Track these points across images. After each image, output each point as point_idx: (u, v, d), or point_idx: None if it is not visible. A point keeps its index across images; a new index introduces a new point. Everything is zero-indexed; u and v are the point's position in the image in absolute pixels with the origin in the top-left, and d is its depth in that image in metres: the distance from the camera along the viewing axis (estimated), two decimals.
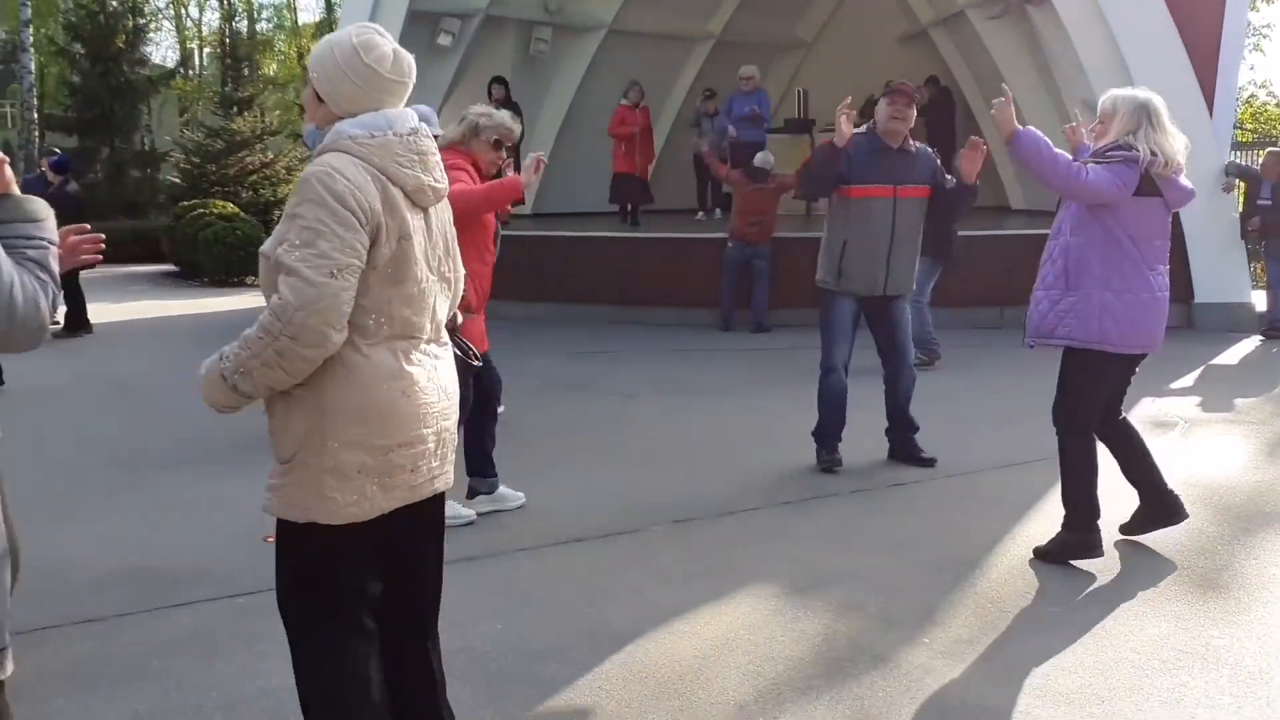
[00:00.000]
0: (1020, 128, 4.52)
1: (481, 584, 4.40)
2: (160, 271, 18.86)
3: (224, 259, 17.07)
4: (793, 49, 18.76)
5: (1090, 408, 4.75)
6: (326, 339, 2.46)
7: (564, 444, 6.88)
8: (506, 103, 13.86)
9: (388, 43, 2.63)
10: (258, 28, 40.50)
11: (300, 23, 41.76)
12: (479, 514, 5.24)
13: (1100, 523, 4.74)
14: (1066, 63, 12.65)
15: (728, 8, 17.42)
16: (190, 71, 36.79)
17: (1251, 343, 10.87)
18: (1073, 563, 4.65)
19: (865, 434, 6.39)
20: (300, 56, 34.86)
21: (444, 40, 14.21)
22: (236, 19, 37.96)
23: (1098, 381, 4.71)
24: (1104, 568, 4.62)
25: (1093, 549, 4.68)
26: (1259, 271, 12.91)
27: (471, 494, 5.29)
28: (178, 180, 21.72)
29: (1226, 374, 9.25)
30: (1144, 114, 4.47)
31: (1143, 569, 4.61)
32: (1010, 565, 4.65)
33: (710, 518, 5.32)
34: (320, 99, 2.66)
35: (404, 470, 2.64)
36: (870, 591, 4.33)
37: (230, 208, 18.48)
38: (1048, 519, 5.27)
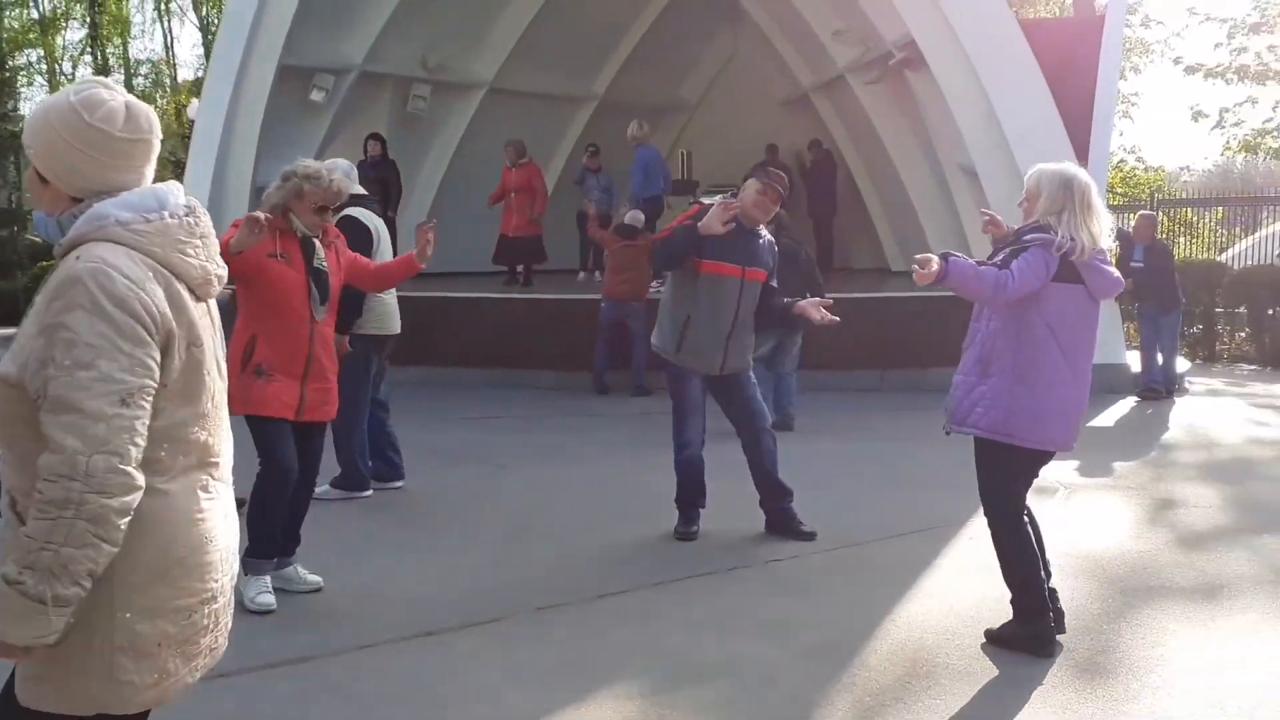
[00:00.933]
0: (948, 263, 4.14)
1: (313, 690, 3.97)
2: None
3: None
4: (677, 110, 18.77)
5: (1008, 493, 4.48)
6: (133, 481, 1.98)
7: (425, 520, 6.47)
8: (383, 159, 13.50)
9: (116, 95, 2.14)
10: (134, 83, 39.40)
11: (180, 79, 40.81)
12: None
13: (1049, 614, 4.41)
14: (944, 127, 12.77)
15: (611, 68, 17.37)
16: None
17: (1128, 404, 10.95)
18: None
19: (748, 502, 6.15)
20: (178, 112, 34.05)
21: (317, 96, 13.83)
22: (111, 74, 36.90)
23: (1005, 470, 4.43)
24: (975, 652, 4.37)
25: (1046, 645, 4.32)
26: (1132, 332, 13.11)
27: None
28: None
29: (1105, 436, 9.23)
30: (1068, 194, 4.19)
31: (1016, 652, 4.37)
32: (891, 650, 4.38)
33: (578, 602, 4.96)
34: (43, 179, 2.15)
35: (206, 632, 2.20)
36: (743, 687, 4.01)
37: None
38: (929, 596, 5.05)
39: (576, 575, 5.35)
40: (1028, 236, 4.25)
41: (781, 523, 6.12)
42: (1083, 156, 11.87)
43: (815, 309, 5.69)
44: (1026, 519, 4.54)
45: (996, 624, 4.58)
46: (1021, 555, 4.43)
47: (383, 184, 13.57)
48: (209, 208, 2.42)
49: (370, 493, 6.88)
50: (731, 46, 18.51)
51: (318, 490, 6.82)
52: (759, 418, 6.12)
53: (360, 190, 6.91)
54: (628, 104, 17.31)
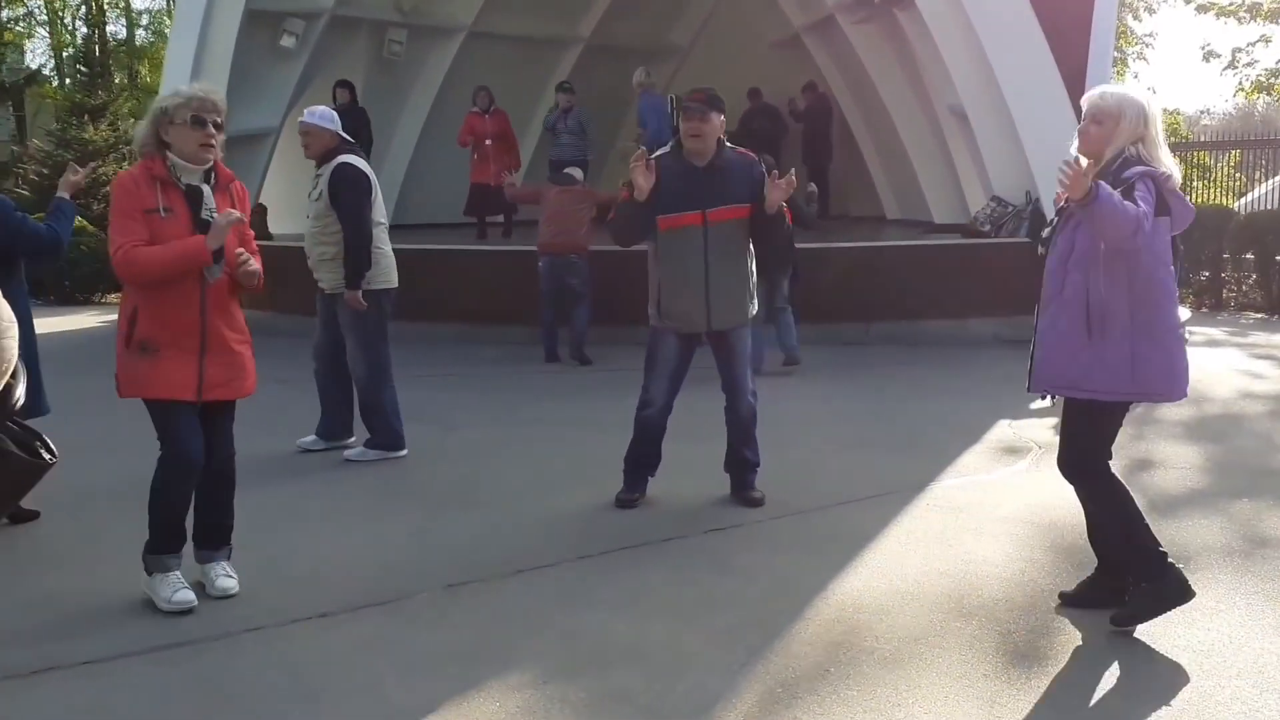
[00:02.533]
0: (1099, 186, 3.71)
1: (178, 681, 3.66)
2: None
3: (69, 275, 16.00)
4: (667, 54, 18.24)
5: (1107, 453, 4.16)
6: None
7: (356, 485, 6.16)
8: (352, 107, 13.07)
9: None
10: (136, 35, 38.80)
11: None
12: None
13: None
14: (934, 67, 12.28)
15: (597, 10, 16.85)
16: (64, 80, 35.04)
17: None
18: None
19: (711, 464, 5.84)
20: None
21: (287, 42, 13.40)
22: (111, 25, 36.35)
23: (1112, 429, 4.15)
24: (908, 634, 4.04)
25: (1185, 589, 4.00)
26: None
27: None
28: (25, 192, 20.42)
29: None
30: (1148, 121, 3.89)
31: (952, 634, 4.03)
32: (816, 632, 4.05)
33: (494, 579, 4.64)
34: None
35: None
36: (647, 675, 3.68)
37: (78, 221, 17.35)
38: (870, 569, 4.73)
39: (499, 547, 5.03)
40: (1131, 171, 3.86)
41: (736, 488, 5.80)
42: (1077, 96, 11.39)
43: (774, 186, 5.31)
44: None
45: (941, 598, 4.27)
46: (1130, 511, 4.10)
47: (352, 133, 13.06)
48: None
49: (405, 452, 6.69)
50: None
51: (351, 453, 6.60)
52: (740, 384, 5.71)
53: (347, 137, 6.72)
54: (615, 48, 16.83)
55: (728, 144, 5.53)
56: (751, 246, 5.62)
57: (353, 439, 6.89)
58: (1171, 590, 4.00)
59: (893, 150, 15.03)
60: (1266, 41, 21.61)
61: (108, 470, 6.11)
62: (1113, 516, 4.15)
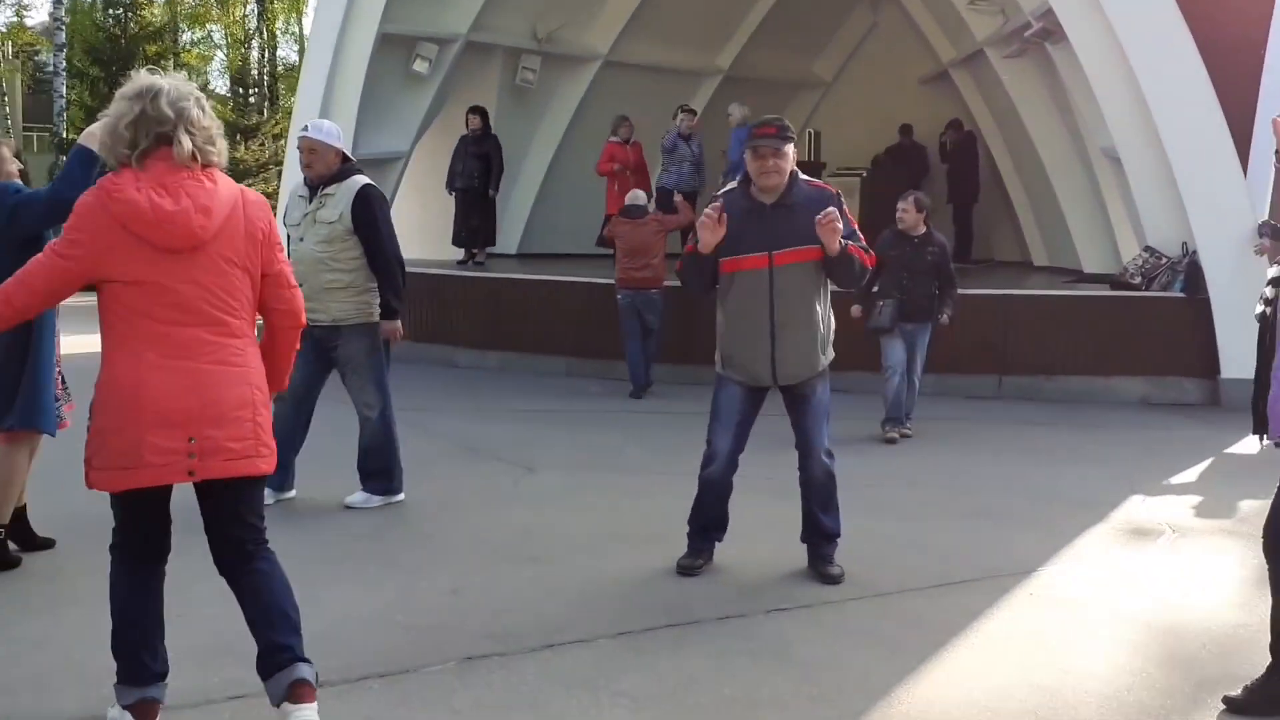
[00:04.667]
0: None
1: None
2: None
3: None
4: (809, 88, 17.72)
5: None
6: None
7: (407, 536, 5.77)
8: (484, 134, 12.93)
9: None
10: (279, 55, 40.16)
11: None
12: None
13: None
14: (1087, 105, 11.43)
15: (738, 41, 16.41)
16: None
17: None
18: None
19: (796, 531, 5.29)
20: None
21: (420, 67, 13.32)
22: (283, 49, 37.75)
23: None
24: None
25: None
26: None
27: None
28: None
29: (1242, 465, 7.92)
30: None
31: None
32: None
33: (516, 653, 4.17)
34: None
35: None
36: None
37: None
38: (945, 670, 4.10)
39: (534, 614, 4.57)
40: None
41: (812, 561, 5.23)
42: (1244, 143, 10.41)
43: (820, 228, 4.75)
44: None
45: (1025, 716, 3.65)
46: None
47: (484, 160, 13.00)
48: None
49: (402, 495, 6.27)
50: (870, 19, 17.33)
51: (355, 499, 6.15)
52: (813, 444, 5.13)
53: (350, 155, 6.26)
54: (756, 80, 16.36)
55: (801, 176, 5.00)
56: (827, 291, 5.08)
57: (293, 492, 6.29)
58: None
59: (1042, 193, 14.15)
60: None
61: None
62: None
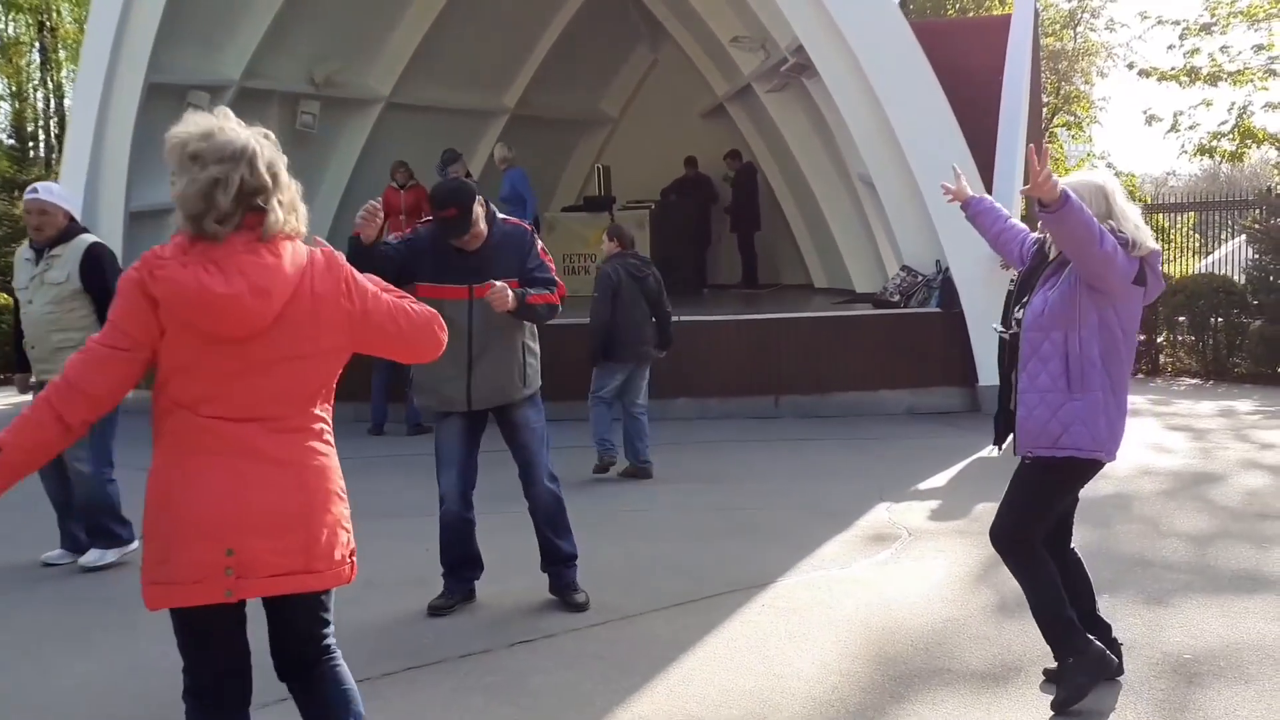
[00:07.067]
0: (1070, 196, 3.67)
1: None
2: None
3: None
4: (597, 124, 18.12)
5: (1048, 520, 4.15)
6: None
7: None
8: None
9: None
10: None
11: None
12: None
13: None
14: (842, 134, 12.08)
15: (522, 81, 16.68)
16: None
17: None
18: None
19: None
20: None
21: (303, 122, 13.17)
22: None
23: (1069, 494, 4.21)
24: None
25: (1106, 664, 4.07)
26: None
27: None
28: None
29: (986, 468, 8.49)
30: (1109, 198, 3.95)
31: None
32: None
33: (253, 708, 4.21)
34: None
35: None
36: None
37: (4, 298, 16.98)
38: (668, 686, 4.31)
39: (266, 668, 4.60)
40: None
41: (557, 589, 5.41)
42: (988, 168, 11.18)
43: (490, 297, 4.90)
44: (1077, 562, 4.37)
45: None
46: (1055, 582, 4.08)
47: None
48: None
49: (137, 544, 6.11)
50: (650, 56, 17.86)
51: (88, 558, 6.06)
52: (534, 467, 5.31)
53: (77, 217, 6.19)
54: (544, 119, 16.66)
55: (499, 215, 5.21)
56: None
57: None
58: (1095, 664, 4.03)
59: (815, 219, 14.85)
60: (1208, 105, 21.52)
61: None
62: (1035, 585, 4.08)
